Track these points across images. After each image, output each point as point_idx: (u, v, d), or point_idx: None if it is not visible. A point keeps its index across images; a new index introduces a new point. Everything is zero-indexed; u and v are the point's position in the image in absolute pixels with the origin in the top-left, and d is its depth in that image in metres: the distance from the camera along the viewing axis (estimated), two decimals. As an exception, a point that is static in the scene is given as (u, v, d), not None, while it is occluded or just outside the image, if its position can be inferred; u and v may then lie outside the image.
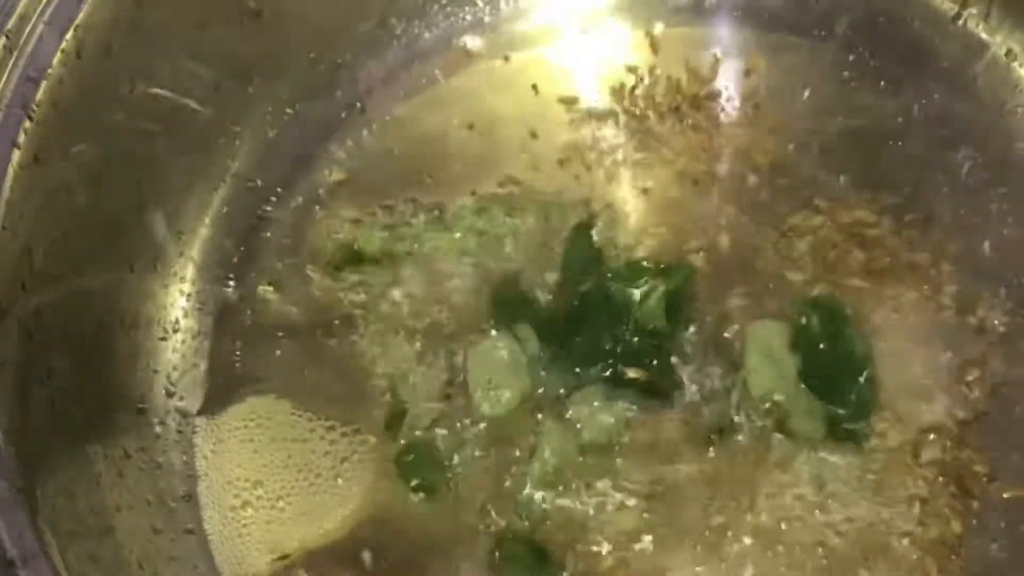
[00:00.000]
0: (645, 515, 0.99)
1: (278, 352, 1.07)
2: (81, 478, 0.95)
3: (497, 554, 0.98)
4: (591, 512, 0.99)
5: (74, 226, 0.96)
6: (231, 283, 1.10)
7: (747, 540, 0.98)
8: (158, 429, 1.05)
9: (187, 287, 1.10)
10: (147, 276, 1.07)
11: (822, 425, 1.01)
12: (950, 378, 1.04)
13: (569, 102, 1.13)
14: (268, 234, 1.12)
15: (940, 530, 0.98)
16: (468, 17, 1.17)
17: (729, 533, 0.98)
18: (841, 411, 1.01)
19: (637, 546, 0.98)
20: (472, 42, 1.16)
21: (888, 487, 1.00)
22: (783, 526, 0.99)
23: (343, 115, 1.15)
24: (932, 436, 1.01)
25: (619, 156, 1.11)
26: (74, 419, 0.97)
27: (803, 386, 1.01)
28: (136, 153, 1.02)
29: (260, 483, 1.03)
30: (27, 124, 0.89)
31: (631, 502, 0.99)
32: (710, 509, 0.99)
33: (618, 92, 1.13)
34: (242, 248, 1.12)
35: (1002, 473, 0.99)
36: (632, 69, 1.13)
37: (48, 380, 0.94)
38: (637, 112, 1.13)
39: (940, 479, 0.99)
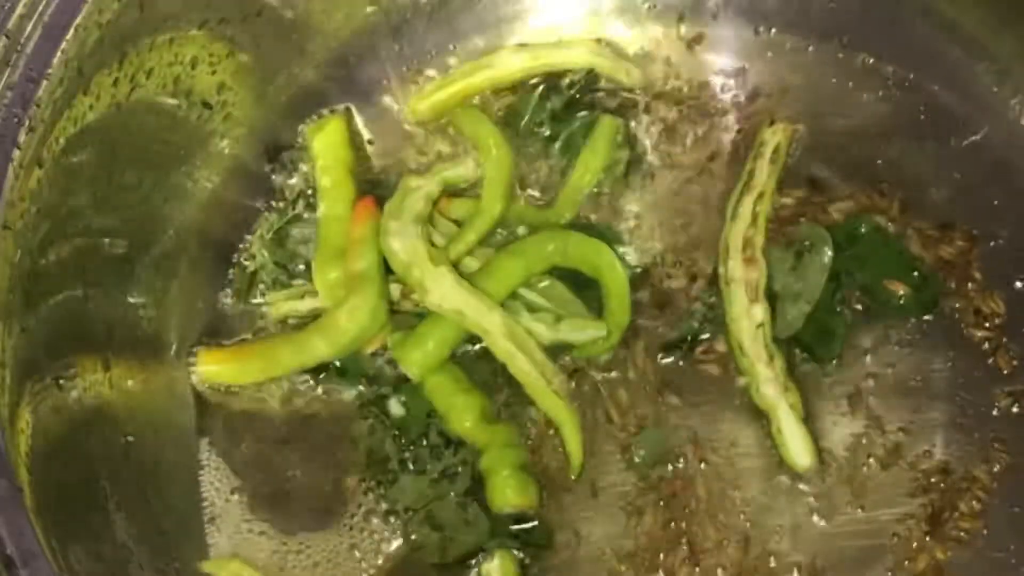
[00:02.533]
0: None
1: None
2: (82, 478, 0.95)
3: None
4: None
5: (74, 226, 0.96)
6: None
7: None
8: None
9: (188, 285, 1.10)
10: (148, 276, 1.07)
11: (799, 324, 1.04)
12: (947, 382, 1.04)
13: (570, 102, 1.13)
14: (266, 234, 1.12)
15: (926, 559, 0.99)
16: (469, 16, 1.17)
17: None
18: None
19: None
20: (473, 42, 1.17)
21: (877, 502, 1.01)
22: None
23: (345, 113, 1.15)
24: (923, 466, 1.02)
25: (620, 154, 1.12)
26: (75, 420, 0.97)
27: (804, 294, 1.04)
28: (136, 153, 1.02)
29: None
30: (27, 124, 0.89)
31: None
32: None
33: (619, 91, 1.14)
34: (247, 235, 1.12)
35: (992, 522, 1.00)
36: (634, 69, 1.13)
37: (50, 382, 0.94)
38: (638, 111, 1.13)
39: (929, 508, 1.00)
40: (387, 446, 1.03)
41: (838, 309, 1.05)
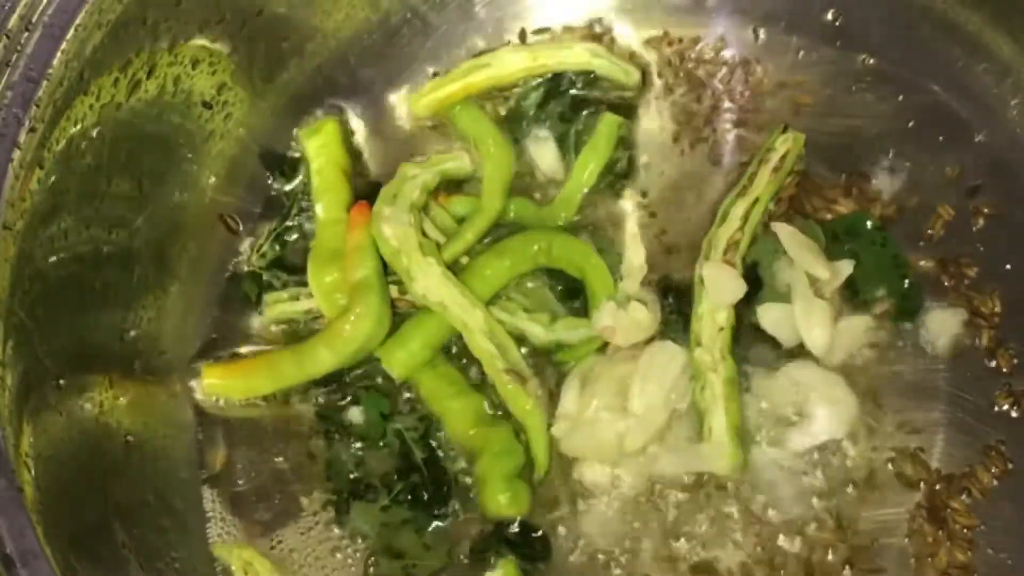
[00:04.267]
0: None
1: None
2: (81, 478, 0.95)
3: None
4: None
5: (74, 226, 0.96)
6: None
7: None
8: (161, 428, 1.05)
9: (187, 286, 1.10)
10: (147, 277, 1.07)
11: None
12: (947, 382, 1.04)
13: (570, 102, 1.13)
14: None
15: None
16: (469, 16, 1.17)
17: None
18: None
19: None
20: (473, 41, 1.17)
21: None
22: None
23: (344, 115, 1.15)
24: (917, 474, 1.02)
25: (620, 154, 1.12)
26: (75, 420, 0.97)
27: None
28: (136, 153, 1.02)
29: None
30: (27, 124, 0.89)
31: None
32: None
33: (618, 91, 1.14)
34: (247, 238, 1.12)
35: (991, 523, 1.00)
36: (633, 69, 1.13)
37: (51, 383, 0.94)
38: (637, 111, 1.13)
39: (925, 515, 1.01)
40: (344, 458, 1.03)
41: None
